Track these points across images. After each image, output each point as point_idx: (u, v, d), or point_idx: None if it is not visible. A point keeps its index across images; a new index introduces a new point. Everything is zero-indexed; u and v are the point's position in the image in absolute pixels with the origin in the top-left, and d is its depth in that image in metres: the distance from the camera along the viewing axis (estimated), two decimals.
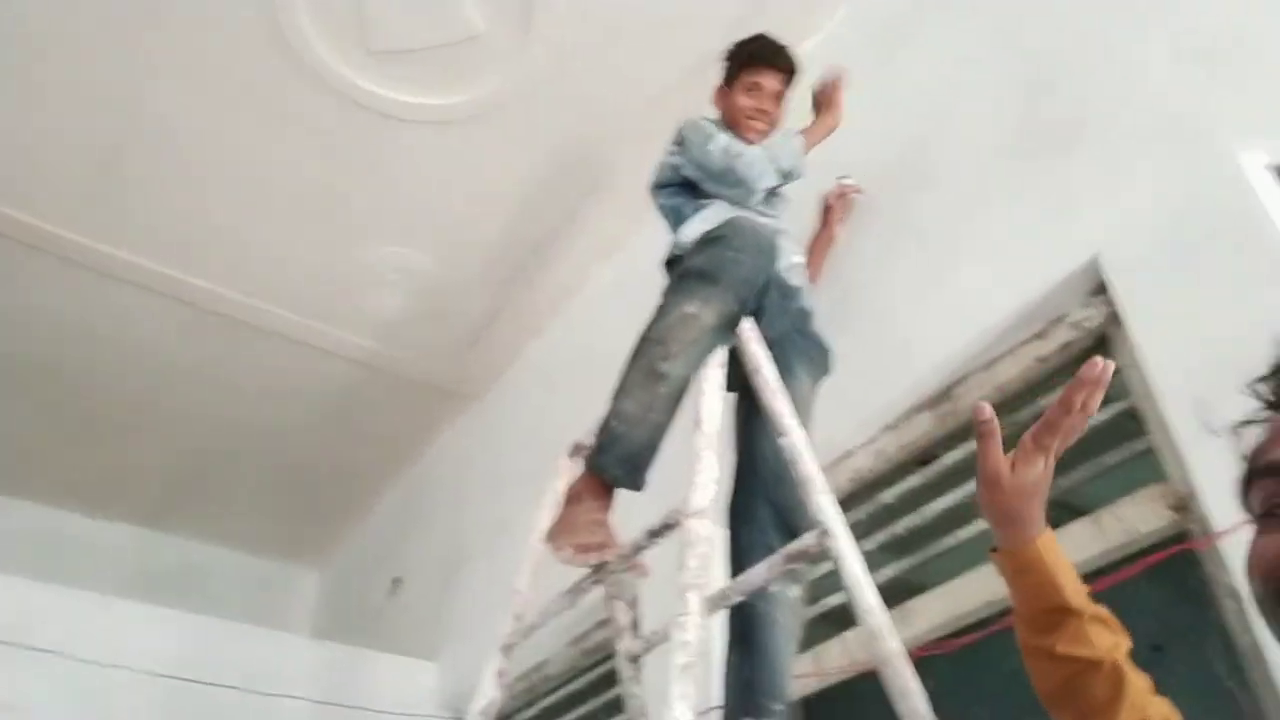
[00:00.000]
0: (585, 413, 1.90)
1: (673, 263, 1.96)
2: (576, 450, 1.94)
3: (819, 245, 2.36)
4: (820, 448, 1.68)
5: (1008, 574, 0.95)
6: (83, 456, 4.42)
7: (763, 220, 1.96)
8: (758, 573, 1.46)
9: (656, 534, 1.55)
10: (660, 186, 2.14)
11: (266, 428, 4.34)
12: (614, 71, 2.93)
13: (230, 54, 2.83)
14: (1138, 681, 0.89)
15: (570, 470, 1.91)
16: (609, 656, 2.71)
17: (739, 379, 1.77)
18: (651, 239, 2.27)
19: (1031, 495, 0.90)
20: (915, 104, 2.38)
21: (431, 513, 4.25)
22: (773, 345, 1.76)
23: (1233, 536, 1.37)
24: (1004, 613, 1.75)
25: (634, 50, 2.87)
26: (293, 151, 3.13)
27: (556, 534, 1.61)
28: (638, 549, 1.59)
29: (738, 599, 1.51)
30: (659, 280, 1.94)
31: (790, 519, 1.73)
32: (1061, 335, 1.85)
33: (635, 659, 1.74)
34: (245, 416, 4.27)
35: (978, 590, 1.85)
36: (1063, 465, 0.95)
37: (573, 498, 1.65)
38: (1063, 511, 1.71)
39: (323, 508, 4.88)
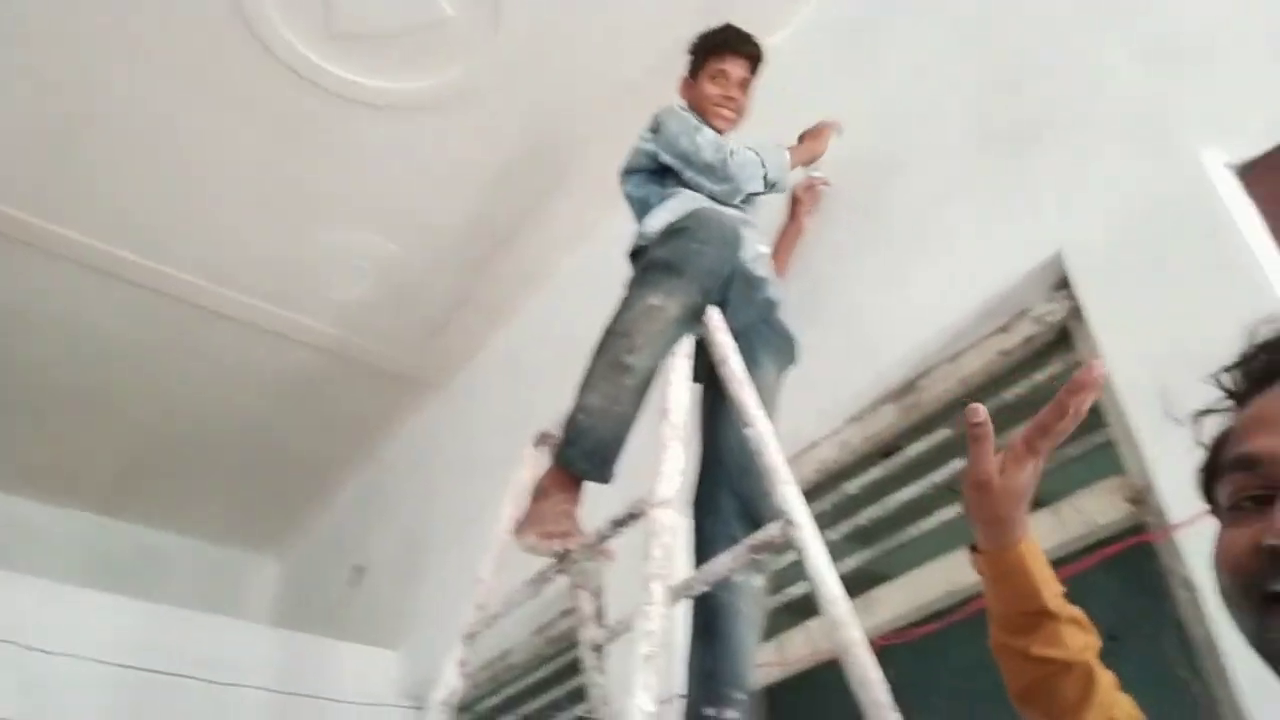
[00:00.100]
0: (551, 402, 1.89)
1: (637, 253, 1.96)
2: (542, 439, 1.93)
3: (787, 237, 2.36)
4: (786, 439, 1.69)
5: (987, 575, 0.94)
6: (35, 442, 4.33)
7: (728, 211, 1.96)
8: (722, 562, 1.47)
9: (621, 523, 1.55)
10: (630, 172, 2.13)
11: (226, 414, 4.28)
12: (582, 59, 2.91)
13: (189, 32, 2.76)
14: (1105, 681, 0.90)
15: (535, 459, 1.90)
16: (572, 645, 2.71)
17: (704, 369, 1.77)
18: (619, 228, 2.27)
19: (1020, 498, 0.89)
20: (882, 99, 2.39)
21: (394, 501, 4.22)
22: (738, 336, 1.76)
23: (1189, 529, 1.40)
24: (964, 603, 1.78)
25: (602, 39, 2.85)
26: (254, 134, 3.07)
27: (523, 527, 1.61)
28: (602, 538, 1.59)
29: (702, 589, 1.51)
30: (626, 270, 1.94)
31: (754, 509, 1.74)
32: (1024, 329, 1.87)
33: (599, 648, 1.74)
34: (204, 402, 4.20)
35: (939, 580, 1.87)
36: None
37: (540, 492, 1.64)
38: None
39: (283, 495, 4.82)
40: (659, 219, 1.93)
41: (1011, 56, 2.08)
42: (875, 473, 2.12)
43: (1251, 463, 0.64)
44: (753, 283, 1.95)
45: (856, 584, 1.97)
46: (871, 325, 2.13)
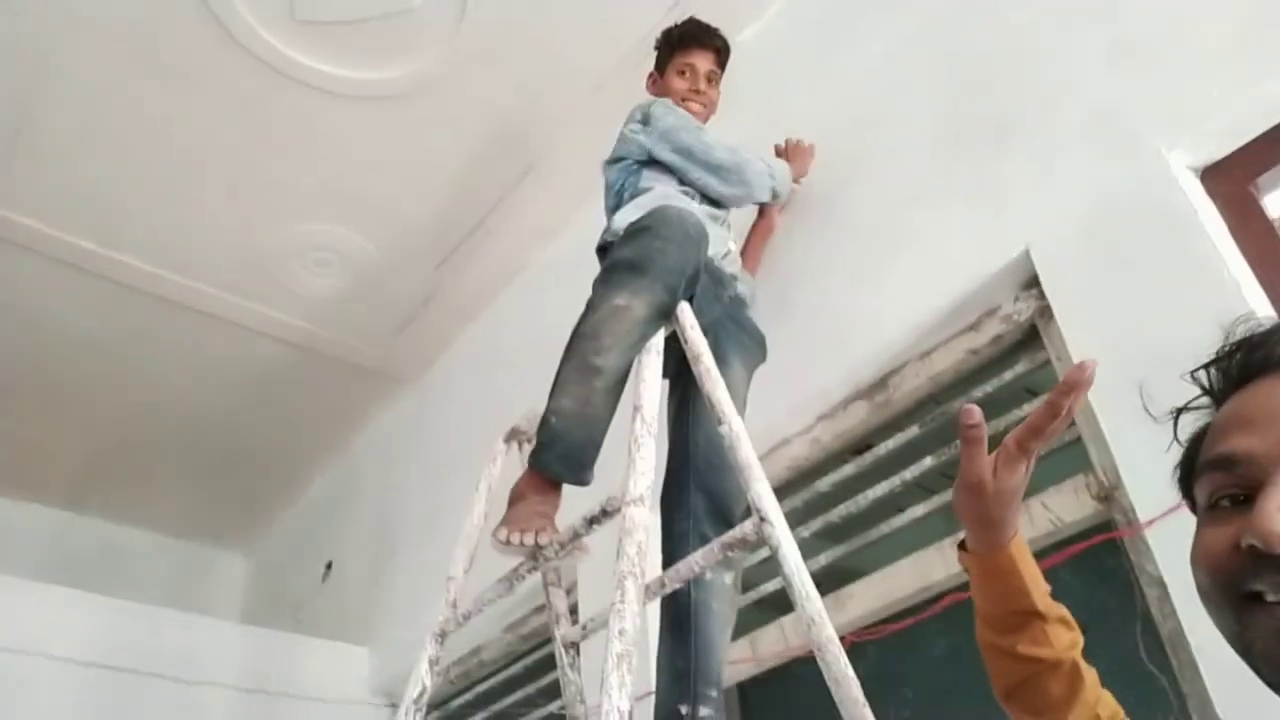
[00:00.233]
0: (520, 398, 1.89)
1: (606, 249, 1.95)
2: (513, 435, 1.92)
3: (757, 234, 2.36)
4: (757, 436, 1.69)
5: (976, 575, 0.94)
6: None
7: (692, 208, 1.95)
8: (694, 560, 1.47)
9: (595, 520, 1.55)
10: (614, 161, 2.12)
11: (192, 408, 4.22)
12: (551, 50, 2.89)
13: (148, 13, 2.69)
14: (1090, 678, 0.91)
15: (505, 455, 1.90)
16: (545, 641, 2.71)
17: (672, 365, 1.77)
18: (589, 221, 2.26)
19: (1012, 499, 0.89)
20: (852, 97, 2.39)
21: (363, 497, 4.19)
22: (705, 333, 1.76)
23: (1156, 526, 1.42)
24: (935, 599, 1.80)
25: (571, 30, 2.83)
26: (217, 121, 3.01)
27: (499, 528, 1.60)
28: (575, 535, 1.59)
29: (675, 587, 1.51)
30: (595, 265, 1.93)
31: (723, 506, 1.74)
32: (993, 328, 1.89)
33: (572, 646, 1.73)
34: (170, 396, 4.14)
35: (910, 577, 1.89)
36: None
37: (516, 496, 1.63)
38: None
39: (251, 490, 4.77)
40: (625, 216, 1.92)
41: (980, 56, 2.09)
42: (846, 470, 2.14)
43: (1229, 462, 0.64)
44: (721, 280, 1.95)
45: (828, 581, 1.98)
46: (842, 323, 2.14)
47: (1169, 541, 1.39)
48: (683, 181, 2.04)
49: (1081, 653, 0.93)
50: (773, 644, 2.09)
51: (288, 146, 3.12)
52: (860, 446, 2.15)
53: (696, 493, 1.77)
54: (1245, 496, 0.62)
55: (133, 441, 4.39)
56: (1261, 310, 1.41)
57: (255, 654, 3.33)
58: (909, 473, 1.97)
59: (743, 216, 2.31)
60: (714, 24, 2.27)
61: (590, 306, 1.74)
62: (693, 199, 2.02)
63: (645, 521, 1.42)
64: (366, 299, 3.71)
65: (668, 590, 1.52)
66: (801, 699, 2.02)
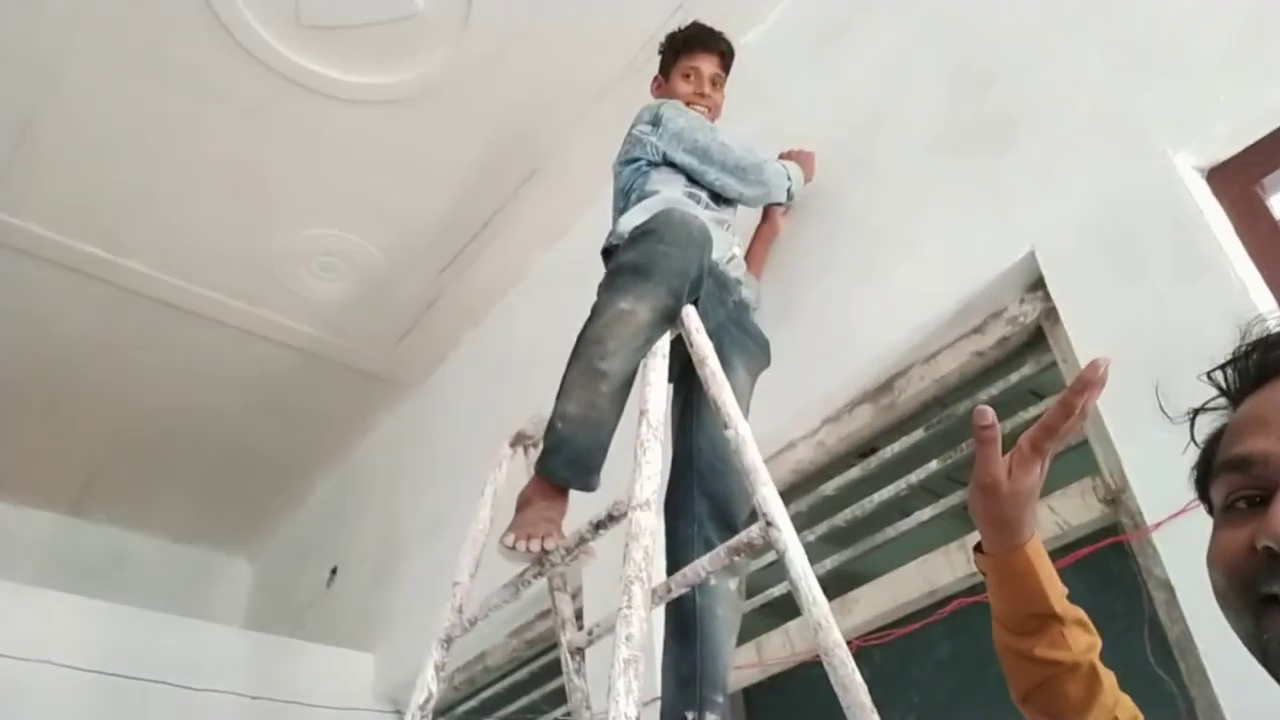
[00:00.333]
0: (525, 402, 1.89)
1: (611, 253, 1.95)
2: (518, 439, 1.92)
3: (761, 238, 2.36)
4: (762, 440, 1.69)
5: (993, 578, 0.93)
6: (0, 442, 4.26)
7: (696, 212, 1.95)
8: (700, 565, 1.46)
9: (601, 525, 1.54)
10: (627, 162, 2.12)
11: (196, 413, 4.23)
12: (555, 54, 2.89)
13: (155, 21, 2.70)
14: (1108, 681, 0.91)
15: (510, 460, 1.89)
16: (551, 647, 2.70)
17: (675, 370, 1.76)
18: (594, 227, 2.26)
19: (1027, 500, 0.88)
20: (855, 99, 2.39)
21: (368, 502, 4.19)
22: (710, 337, 1.76)
23: (1164, 529, 1.41)
24: (942, 603, 1.79)
25: (575, 34, 2.84)
26: (221, 126, 3.02)
27: (505, 534, 1.59)
28: (582, 540, 1.58)
29: (680, 592, 1.51)
30: (600, 268, 1.92)
31: (726, 511, 1.74)
32: (999, 330, 1.88)
33: (579, 652, 1.73)
34: (173, 400, 4.15)
35: (917, 581, 1.88)
36: None
37: (524, 502, 1.63)
38: None
39: (255, 496, 4.77)
40: (631, 220, 1.92)
41: (984, 57, 2.09)
42: (852, 473, 2.13)
43: (1245, 464, 0.63)
44: (725, 284, 1.95)
45: (834, 585, 1.97)
46: (846, 326, 2.14)
47: (1176, 544, 1.39)
48: (697, 183, 2.04)
49: (1100, 654, 0.92)
50: (779, 649, 2.08)
51: (293, 151, 3.13)
52: (865, 450, 2.14)
53: (700, 497, 1.76)
54: (1262, 498, 0.61)
55: (137, 447, 4.39)
56: (1268, 311, 1.40)
57: (259, 660, 3.32)
58: (915, 476, 1.97)
59: (746, 220, 2.31)
60: (718, 28, 2.28)
61: (595, 311, 1.73)
62: (698, 202, 2.02)
63: (651, 526, 1.41)
64: (371, 303, 3.72)
65: (673, 596, 1.51)
66: (807, 704, 2.01)
